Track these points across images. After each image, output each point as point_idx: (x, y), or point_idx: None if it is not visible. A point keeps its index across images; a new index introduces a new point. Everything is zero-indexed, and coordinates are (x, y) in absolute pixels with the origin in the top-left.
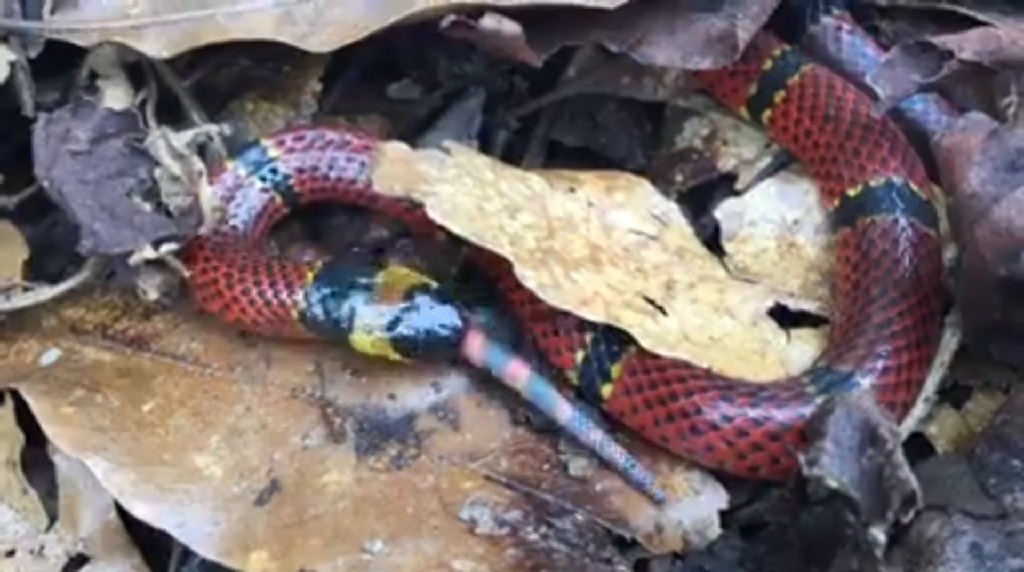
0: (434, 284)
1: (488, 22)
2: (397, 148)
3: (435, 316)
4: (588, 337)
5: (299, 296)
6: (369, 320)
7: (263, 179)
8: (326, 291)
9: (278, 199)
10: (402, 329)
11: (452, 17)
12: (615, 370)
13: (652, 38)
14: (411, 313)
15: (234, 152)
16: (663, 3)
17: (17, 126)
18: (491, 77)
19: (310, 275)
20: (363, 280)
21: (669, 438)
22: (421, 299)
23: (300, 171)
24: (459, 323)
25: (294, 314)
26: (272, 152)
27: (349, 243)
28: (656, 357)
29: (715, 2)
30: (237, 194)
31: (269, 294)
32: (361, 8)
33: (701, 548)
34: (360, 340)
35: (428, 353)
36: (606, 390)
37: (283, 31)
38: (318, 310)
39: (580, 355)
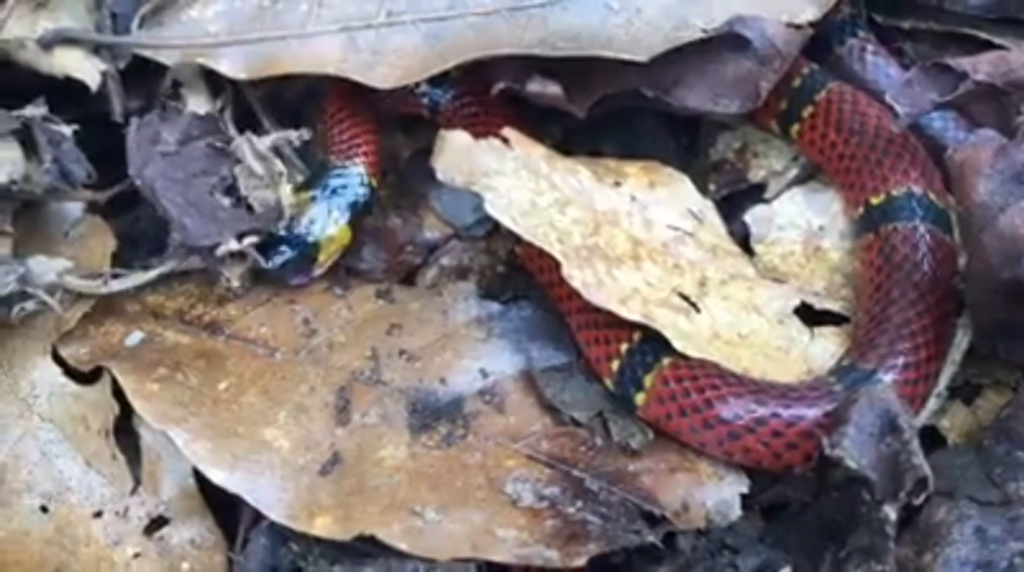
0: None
1: (534, 87)
2: (459, 137)
3: None
4: (623, 347)
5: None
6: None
7: (431, 83)
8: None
9: (425, 101)
10: None
11: (501, 85)
12: (648, 380)
13: (685, 81)
14: None
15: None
16: (693, 47)
17: (104, 130)
18: None
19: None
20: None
21: (706, 444)
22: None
23: (458, 106)
24: None
25: None
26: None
27: (403, 243)
28: (689, 367)
29: (742, 42)
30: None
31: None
32: (418, 39)
33: (724, 526)
34: None
35: None
36: (639, 398)
37: (348, 59)
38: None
39: (616, 364)
